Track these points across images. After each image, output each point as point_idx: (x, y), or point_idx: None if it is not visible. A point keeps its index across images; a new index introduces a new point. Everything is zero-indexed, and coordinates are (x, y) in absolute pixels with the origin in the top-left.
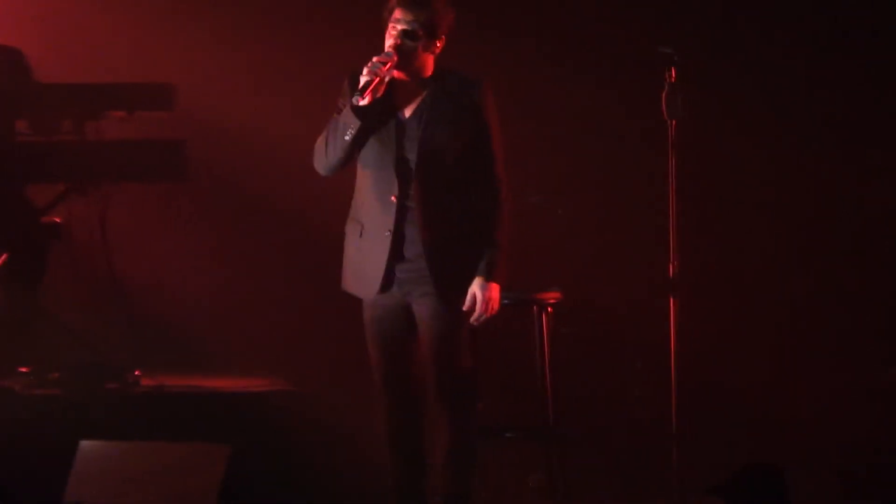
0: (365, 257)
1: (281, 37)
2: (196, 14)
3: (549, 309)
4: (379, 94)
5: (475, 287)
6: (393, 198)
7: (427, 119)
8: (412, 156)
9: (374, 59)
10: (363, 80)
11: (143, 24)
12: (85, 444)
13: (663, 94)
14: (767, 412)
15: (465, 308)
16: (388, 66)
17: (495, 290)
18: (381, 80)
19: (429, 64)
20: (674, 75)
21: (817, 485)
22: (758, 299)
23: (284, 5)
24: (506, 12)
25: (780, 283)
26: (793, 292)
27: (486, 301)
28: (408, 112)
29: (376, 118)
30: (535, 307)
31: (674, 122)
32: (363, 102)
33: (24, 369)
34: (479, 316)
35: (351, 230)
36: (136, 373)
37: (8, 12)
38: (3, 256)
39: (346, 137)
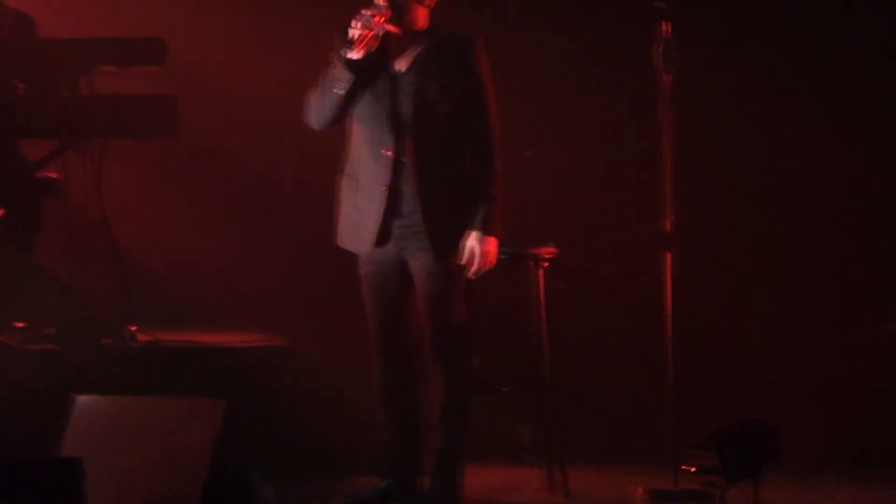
0: (360, 212)
1: None
2: None
3: (545, 264)
4: (372, 49)
5: (471, 240)
6: (388, 153)
7: (421, 74)
8: (407, 110)
9: (364, 11)
10: (353, 32)
11: None
12: (80, 399)
13: (657, 48)
14: (763, 368)
15: (462, 262)
16: (379, 19)
17: (492, 243)
18: (374, 35)
19: (423, 17)
20: (668, 29)
21: (810, 441)
22: (754, 254)
23: None
24: None
25: (776, 237)
26: (789, 247)
27: (483, 255)
28: (402, 66)
29: (369, 73)
30: (530, 262)
31: (668, 76)
32: (353, 56)
33: (19, 324)
34: (477, 270)
35: (346, 185)
36: (132, 328)
37: None
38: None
39: (339, 92)
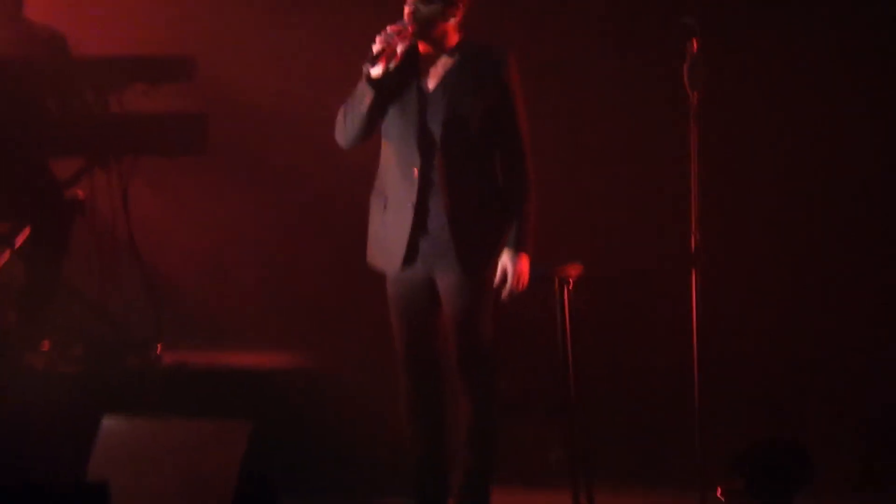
0: (388, 230)
1: (304, 7)
2: None
3: (571, 283)
4: (394, 65)
5: (506, 260)
6: (416, 170)
7: (451, 91)
8: (436, 128)
9: (388, 27)
10: (375, 48)
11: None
12: (107, 420)
13: (685, 66)
14: (790, 387)
15: (496, 282)
16: (403, 36)
17: (525, 262)
18: (394, 51)
19: (451, 34)
20: (696, 46)
21: (839, 461)
22: (780, 272)
23: None
24: None
25: (803, 256)
26: (816, 266)
27: (517, 274)
28: (431, 84)
29: (393, 89)
30: (556, 281)
31: (696, 93)
32: (374, 71)
33: (46, 345)
34: (511, 290)
35: (375, 203)
36: (158, 348)
37: None
38: (26, 230)
39: (362, 108)
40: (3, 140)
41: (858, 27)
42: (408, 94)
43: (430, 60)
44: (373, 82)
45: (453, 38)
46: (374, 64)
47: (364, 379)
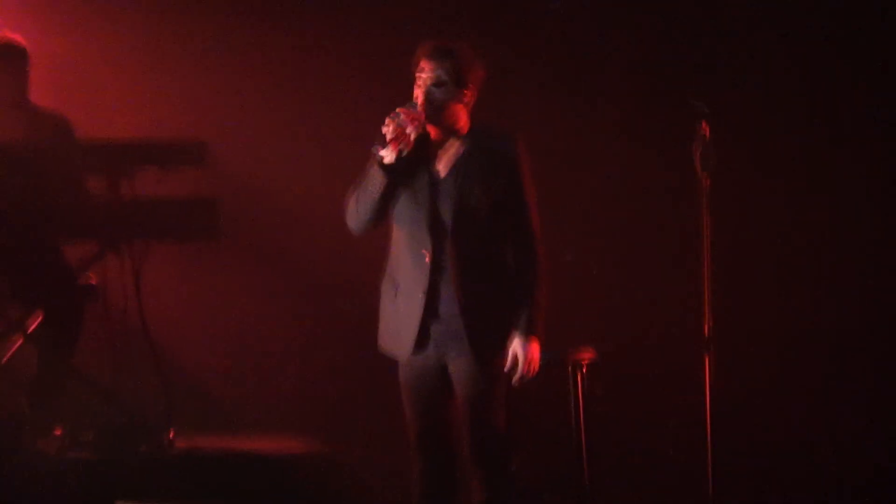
0: (400, 316)
1: (314, 94)
2: (229, 71)
3: (584, 368)
4: (406, 150)
5: (516, 346)
6: (427, 256)
7: (462, 177)
8: (447, 214)
9: (400, 111)
10: (385, 131)
11: (176, 80)
12: None
13: (696, 148)
14: (805, 474)
15: (506, 368)
16: (415, 122)
17: (536, 348)
18: (406, 136)
19: (462, 118)
20: (706, 129)
21: None
22: (794, 357)
23: (318, 64)
24: (537, 67)
25: (816, 340)
26: (829, 350)
27: (528, 361)
28: (443, 169)
29: (404, 175)
30: (569, 366)
31: (707, 176)
32: (385, 154)
33: (58, 431)
34: (522, 376)
35: (386, 289)
36: (170, 434)
37: (46, 69)
38: (38, 316)
39: (374, 194)
40: (15, 226)
41: (867, 103)
42: (419, 180)
43: (441, 145)
44: (385, 167)
45: (464, 123)
46: (384, 147)
47: (377, 464)
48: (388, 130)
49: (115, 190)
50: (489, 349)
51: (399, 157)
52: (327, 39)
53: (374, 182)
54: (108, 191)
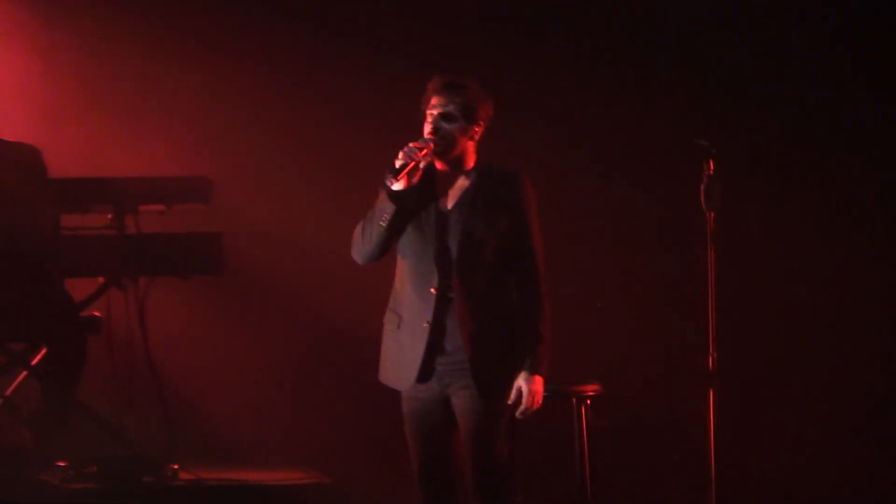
0: (403, 349)
1: (319, 130)
2: (234, 108)
3: (588, 401)
4: (415, 181)
5: (521, 381)
6: (433, 289)
7: (468, 211)
8: (453, 247)
9: (411, 144)
10: (397, 163)
11: (180, 117)
12: None
13: (701, 186)
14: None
15: (510, 402)
16: (424, 152)
17: (539, 383)
18: (417, 165)
19: (469, 153)
20: (711, 167)
21: None
22: (798, 392)
23: (323, 100)
24: (543, 105)
25: (821, 375)
26: (834, 384)
27: (532, 394)
28: (449, 203)
29: (413, 205)
30: (573, 399)
31: (712, 213)
32: (397, 186)
33: (61, 463)
34: (525, 410)
35: (389, 321)
36: (174, 466)
37: (48, 107)
38: (42, 350)
39: (382, 223)
40: (17, 261)
41: (872, 141)
42: (426, 213)
43: (448, 180)
44: (393, 196)
45: (471, 159)
46: (395, 178)
47: (379, 496)
48: (398, 161)
49: (119, 226)
50: (493, 383)
51: (408, 188)
52: (334, 76)
53: (383, 212)
54: (112, 227)
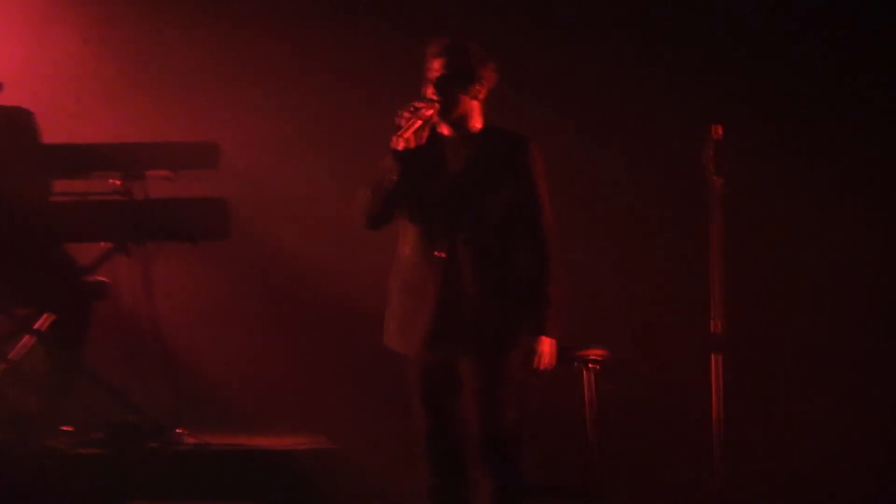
0: (409, 313)
1: (324, 95)
2: (239, 73)
3: (594, 366)
4: (422, 141)
5: (530, 341)
6: (440, 254)
7: (475, 175)
8: (459, 211)
9: (415, 103)
10: (402, 122)
11: (187, 83)
12: None
13: (708, 151)
14: (814, 474)
15: (519, 365)
16: (429, 112)
17: (549, 344)
18: (422, 125)
19: (475, 114)
20: (720, 132)
21: None
22: (804, 358)
23: (328, 66)
24: (549, 71)
25: (826, 341)
26: (840, 351)
27: (541, 356)
28: (456, 167)
29: (419, 168)
30: (578, 365)
31: (719, 179)
32: (400, 145)
33: (67, 428)
34: (535, 370)
35: (395, 286)
36: (179, 431)
37: (57, 73)
38: (47, 316)
39: (388, 184)
40: (21, 226)
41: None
42: (432, 178)
43: (455, 145)
44: (397, 156)
45: (477, 123)
46: (401, 137)
47: (385, 461)
48: (401, 120)
49: (127, 191)
50: (500, 346)
51: (414, 147)
52: (338, 42)
53: (388, 172)
54: (119, 192)
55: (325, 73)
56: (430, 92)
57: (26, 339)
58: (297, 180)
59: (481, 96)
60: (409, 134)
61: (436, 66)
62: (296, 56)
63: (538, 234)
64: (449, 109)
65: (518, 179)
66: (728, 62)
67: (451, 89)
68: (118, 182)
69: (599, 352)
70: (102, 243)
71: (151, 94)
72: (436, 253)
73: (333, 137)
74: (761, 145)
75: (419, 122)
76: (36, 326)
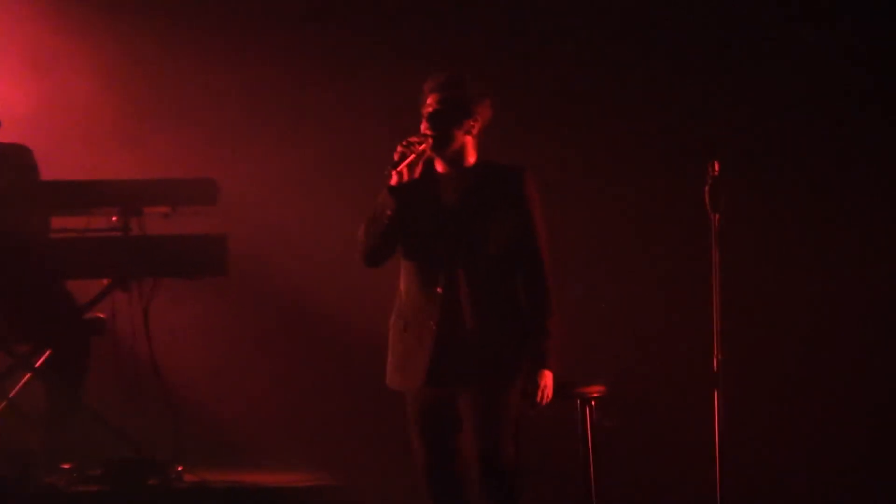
0: (409, 350)
1: (323, 130)
2: (239, 110)
3: (593, 402)
4: (415, 175)
5: (529, 376)
6: (438, 289)
7: (471, 209)
8: (457, 246)
9: (409, 138)
10: (396, 156)
11: (186, 120)
12: None
13: (706, 188)
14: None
15: (518, 398)
16: (422, 146)
17: (548, 377)
18: (416, 159)
19: (469, 149)
20: (717, 168)
21: None
22: (803, 393)
23: (328, 103)
24: (548, 106)
25: (825, 376)
26: (839, 385)
27: (541, 389)
28: (452, 202)
29: (414, 203)
30: (578, 400)
31: (717, 215)
32: (394, 180)
33: (66, 465)
34: (534, 404)
35: (395, 325)
36: (179, 468)
37: (56, 109)
38: (46, 352)
39: (383, 219)
40: (21, 263)
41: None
42: (428, 213)
43: (450, 180)
44: (392, 191)
45: (471, 157)
46: (395, 171)
47: (386, 497)
48: (396, 154)
49: (124, 228)
50: (500, 382)
51: (408, 181)
52: (338, 79)
53: (384, 208)
54: (118, 229)
55: (325, 108)
56: (424, 127)
57: (25, 376)
58: (295, 217)
59: (475, 131)
60: (402, 168)
61: (430, 101)
62: (296, 93)
63: (537, 266)
64: (442, 144)
65: (515, 210)
66: (728, 96)
67: (445, 124)
68: (115, 218)
69: (599, 388)
70: (101, 280)
71: (149, 131)
72: (433, 288)
73: (333, 175)
74: (763, 176)
75: (413, 157)
76: (34, 363)
